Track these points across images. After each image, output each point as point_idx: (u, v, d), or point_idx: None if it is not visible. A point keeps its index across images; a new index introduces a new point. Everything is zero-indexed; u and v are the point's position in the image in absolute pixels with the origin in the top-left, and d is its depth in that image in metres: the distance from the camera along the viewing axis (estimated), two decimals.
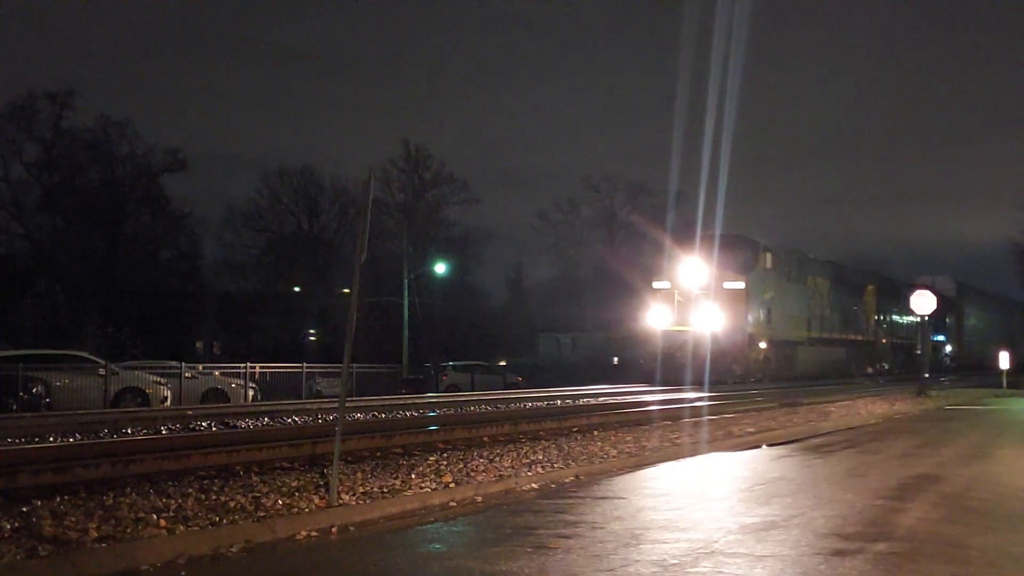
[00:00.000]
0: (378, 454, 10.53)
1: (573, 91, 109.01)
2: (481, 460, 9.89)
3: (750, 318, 31.53)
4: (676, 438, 12.93)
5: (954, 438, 14.10)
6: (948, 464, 10.75)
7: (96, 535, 5.91)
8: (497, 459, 10.04)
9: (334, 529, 6.75)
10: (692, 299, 29.80)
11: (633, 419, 15.87)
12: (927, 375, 27.19)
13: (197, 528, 6.28)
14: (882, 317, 46.29)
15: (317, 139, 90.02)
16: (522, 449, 11.05)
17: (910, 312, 48.39)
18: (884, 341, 45.88)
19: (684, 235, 32.05)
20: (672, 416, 16.51)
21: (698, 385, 26.57)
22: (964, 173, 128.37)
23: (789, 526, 6.79)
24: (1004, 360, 31.84)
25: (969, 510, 7.70)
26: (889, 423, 17.10)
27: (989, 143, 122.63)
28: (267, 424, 14.43)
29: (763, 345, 32.54)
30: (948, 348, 56.37)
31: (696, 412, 17.31)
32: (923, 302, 28.10)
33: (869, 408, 19.87)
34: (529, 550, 5.94)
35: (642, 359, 33.08)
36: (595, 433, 13.23)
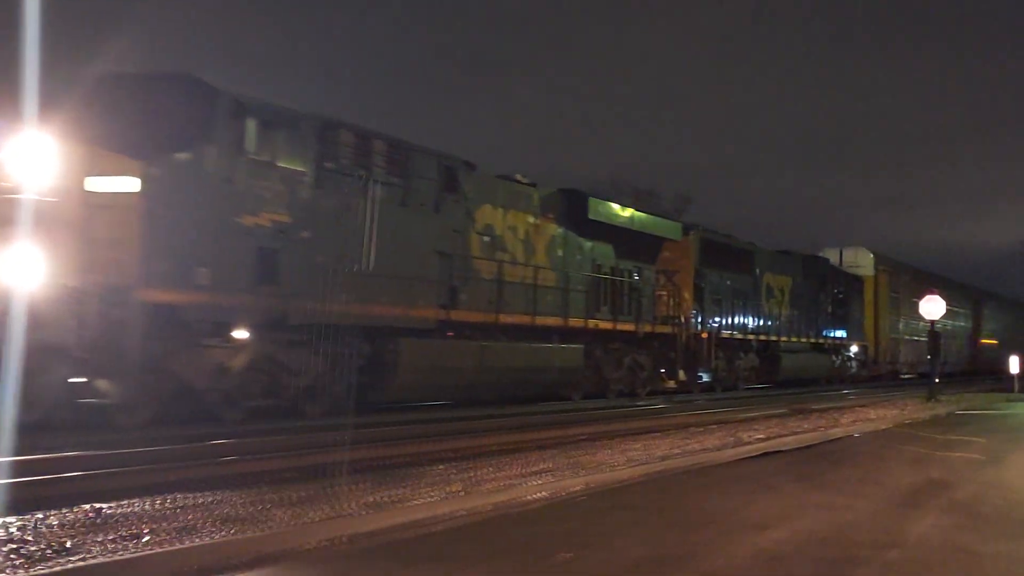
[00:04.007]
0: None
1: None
2: None
3: (182, 266, 12.54)
4: None
5: (965, 444, 13.99)
6: (960, 470, 10.69)
7: (98, 550, 5.89)
8: None
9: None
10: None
11: None
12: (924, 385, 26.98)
13: (207, 540, 6.25)
14: (709, 299, 28.09)
15: None
16: None
17: (768, 293, 31.41)
18: (705, 335, 27.77)
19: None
20: None
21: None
22: (969, 175, 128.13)
23: None
24: (1014, 364, 31.59)
25: (982, 517, 7.65)
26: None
27: (994, 144, 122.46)
28: (276, 436, 14.31)
29: (241, 334, 13.45)
30: (854, 349, 38.30)
31: None
32: (932, 307, 27.66)
33: None
34: None
35: None
36: None
